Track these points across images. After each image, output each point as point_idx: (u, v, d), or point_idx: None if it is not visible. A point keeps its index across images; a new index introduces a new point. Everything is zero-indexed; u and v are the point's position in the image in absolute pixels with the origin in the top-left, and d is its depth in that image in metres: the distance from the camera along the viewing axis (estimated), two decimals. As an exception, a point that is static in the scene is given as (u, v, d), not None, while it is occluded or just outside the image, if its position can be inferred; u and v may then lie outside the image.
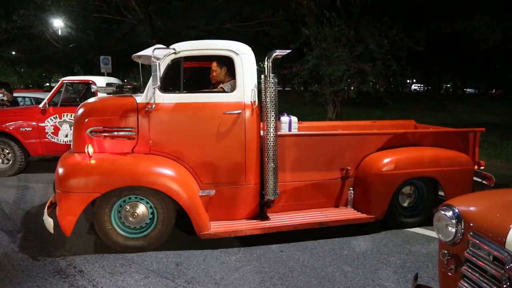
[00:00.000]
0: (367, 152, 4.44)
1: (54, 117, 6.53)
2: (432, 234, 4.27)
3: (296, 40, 10.62)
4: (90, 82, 6.68)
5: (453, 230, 2.18)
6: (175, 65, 3.73)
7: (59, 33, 21.62)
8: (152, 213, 3.68)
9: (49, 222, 3.46)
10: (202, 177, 3.81)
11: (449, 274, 2.24)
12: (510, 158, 7.84)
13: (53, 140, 6.55)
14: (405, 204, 4.51)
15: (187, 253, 3.65)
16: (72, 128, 6.49)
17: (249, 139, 3.83)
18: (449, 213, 2.21)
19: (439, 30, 16.98)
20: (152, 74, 3.48)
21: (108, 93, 4.59)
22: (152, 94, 3.66)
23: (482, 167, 4.85)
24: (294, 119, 4.90)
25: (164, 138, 3.74)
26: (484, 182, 4.84)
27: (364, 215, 4.19)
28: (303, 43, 10.31)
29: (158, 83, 3.45)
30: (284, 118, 4.79)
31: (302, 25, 13.68)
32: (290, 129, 4.81)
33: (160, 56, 3.63)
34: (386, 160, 4.24)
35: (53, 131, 6.53)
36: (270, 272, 3.33)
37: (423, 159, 4.36)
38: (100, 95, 6.32)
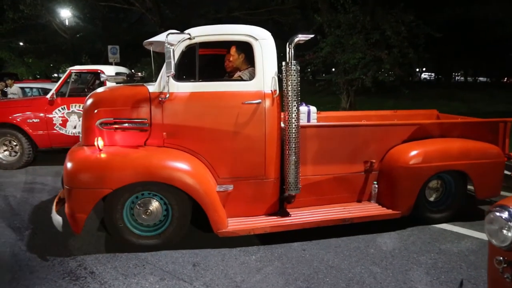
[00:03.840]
0: (393, 144, 4.17)
1: (62, 108, 6.33)
2: (461, 230, 4.03)
3: (309, 27, 10.29)
4: (99, 71, 6.46)
5: (510, 234, 1.93)
6: (190, 52, 3.48)
7: (66, 23, 21.40)
8: (167, 210, 3.47)
9: (57, 220, 3.26)
10: (219, 171, 3.58)
11: (504, 283, 2.00)
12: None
13: (61, 131, 6.36)
14: (432, 199, 4.25)
15: (203, 252, 3.45)
16: (80, 119, 6.33)
17: (269, 131, 3.59)
18: (505, 215, 1.97)
19: (453, 16, 16.49)
20: (166, 61, 3.23)
21: (117, 83, 4.36)
22: (166, 83, 3.42)
23: (513, 160, 4.57)
24: (313, 109, 4.64)
25: (178, 130, 3.50)
26: (513, 175, 4.58)
27: (390, 211, 3.95)
28: (316, 30, 9.98)
29: (173, 71, 3.20)
30: (303, 108, 4.51)
31: (313, 12, 13.30)
32: (309, 120, 4.55)
33: (174, 42, 3.38)
34: (414, 153, 3.98)
35: (61, 122, 6.34)
36: (293, 273, 3.11)
37: (453, 151, 4.09)
38: (109, 84, 6.11)
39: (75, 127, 6.32)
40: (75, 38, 23.36)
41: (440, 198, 4.27)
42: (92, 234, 3.78)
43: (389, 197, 4.02)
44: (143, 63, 22.02)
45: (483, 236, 3.90)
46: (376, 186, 4.15)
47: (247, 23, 3.73)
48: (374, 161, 4.10)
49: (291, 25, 17.65)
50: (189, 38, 3.45)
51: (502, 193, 4.52)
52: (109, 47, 14.03)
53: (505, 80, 43.67)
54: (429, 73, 49.57)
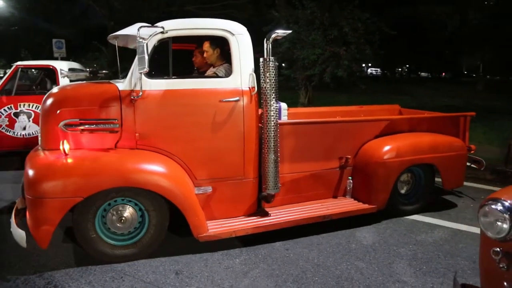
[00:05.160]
0: (365, 139, 4.23)
1: (8, 108, 5.74)
2: (431, 221, 4.18)
3: (263, 23, 10.23)
4: (51, 67, 5.93)
5: (506, 225, 1.98)
6: (162, 47, 3.26)
7: (-1, 14, 19.66)
8: (142, 216, 3.24)
9: (19, 234, 2.91)
10: (197, 173, 3.41)
11: (499, 273, 2.05)
12: (481, 140, 8.03)
13: (8, 133, 5.76)
14: (403, 192, 4.38)
15: (184, 258, 3.26)
16: (30, 120, 5.81)
17: (248, 129, 3.47)
18: (499, 207, 2.03)
19: (399, 15, 17.32)
20: (138, 56, 3.00)
21: (72, 80, 4.02)
22: (138, 80, 3.18)
23: (472, 151, 4.82)
24: (283, 105, 4.55)
25: (152, 130, 3.28)
26: (473, 166, 4.84)
27: (367, 206, 4.00)
28: (275, 26, 9.95)
29: (146, 67, 2.97)
30: (275, 105, 4.44)
31: (267, 7, 13.25)
32: (280, 117, 4.47)
33: (145, 36, 3.14)
34: (387, 148, 4.06)
35: (7, 123, 5.74)
36: (281, 274, 3.03)
37: (424, 145, 4.23)
38: (62, 81, 5.65)
39: (24, 128, 5.77)
40: (10, 31, 21.50)
41: (410, 190, 4.41)
42: (56, 247, 3.42)
43: (365, 192, 4.07)
44: (90, 59, 20.80)
45: (452, 225, 4.09)
46: (351, 181, 4.19)
47: (200, 17, 3.55)
48: (349, 157, 4.13)
49: (245, 20, 17.52)
50: (162, 32, 3.23)
51: (465, 183, 4.77)
52: (54, 40, 13.04)
53: (443, 75, 46.79)
54: (375, 69, 51.73)
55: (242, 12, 17.67)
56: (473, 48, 24.90)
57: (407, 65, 45.30)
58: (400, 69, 50.20)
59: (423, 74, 48.67)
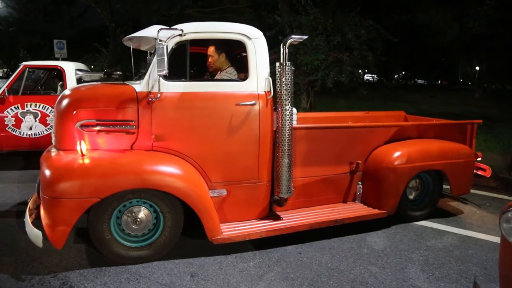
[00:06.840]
0: (376, 145, 4.26)
1: (15, 107, 5.70)
2: (439, 227, 4.21)
3: (261, 27, 10.29)
4: (59, 68, 5.91)
5: (529, 232, 2.01)
6: (180, 49, 3.27)
7: None
8: (156, 218, 3.24)
9: (36, 234, 2.89)
10: (211, 175, 3.42)
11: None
12: (483, 147, 8.11)
13: (14, 133, 5.72)
14: (411, 197, 4.41)
15: (198, 261, 3.26)
16: (37, 120, 5.79)
17: (263, 133, 3.49)
18: (523, 214, 2.05)
19: (399, 22, 17.47)
20: (158, 58, 3.00)
21: (85, 81, 4.01)
22: (155, 82, 3.19)
23: (479, 159, 4.87)
24: (294, 110, 4.60)
25: (168, 132, 3.28)
26: (479, 173, 4.88)
27: (377, 211, 4.02)
28: (279, 31, 10.01)
29: (166, 69, 2.98)
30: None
31: (267, 12, 13.30)
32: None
33: (163, 38, 3.15)
34: (397, 154, 4.08)
35: (14, 123, 5.71)
36: (296, 278, 3.04)
37: (433, 151, 4.27)
38: (70, 82, 5.65)
39: (30, 128, 5.74)
40: (10, 31, 21.40)
41: (419, 196, 4.45)
42: (69, 247, 3.42)
43: (375, 197, 4.10)
44: (90, 61, 20.73)
45: (460, 231, 4.12)
46: (361, 186, 4.21)
47: (199, 21, 3.55)
48: (360, 162, 4.16)
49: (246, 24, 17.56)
50: (180, 35, 3.24)
51: (472, 191, 4.81)
52: (55, 41, 12.99)
53: (439, 82, 47.30)
54: (371, 75, 52.08)
55: (241, 16, 17.75)
56: (471, 56, 25.22)
57: (403, 72, 45.68)
58: (396, 76, 50.61)
59: (419, 81, 49.11)
